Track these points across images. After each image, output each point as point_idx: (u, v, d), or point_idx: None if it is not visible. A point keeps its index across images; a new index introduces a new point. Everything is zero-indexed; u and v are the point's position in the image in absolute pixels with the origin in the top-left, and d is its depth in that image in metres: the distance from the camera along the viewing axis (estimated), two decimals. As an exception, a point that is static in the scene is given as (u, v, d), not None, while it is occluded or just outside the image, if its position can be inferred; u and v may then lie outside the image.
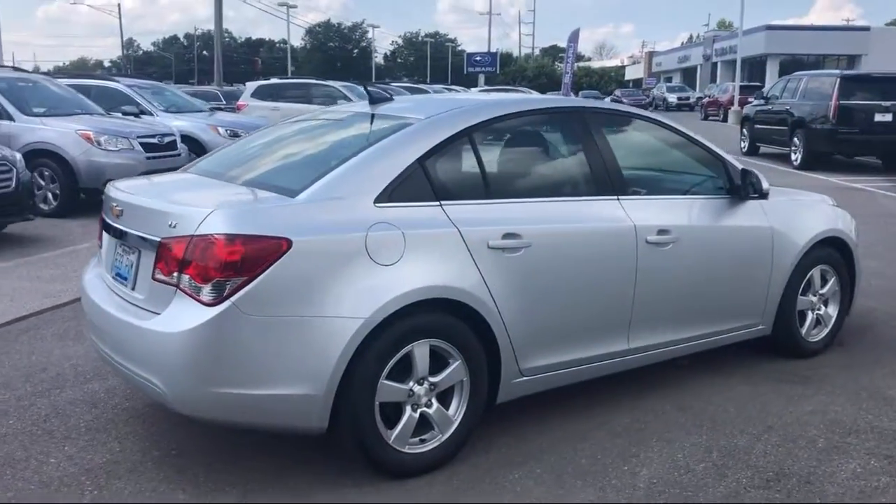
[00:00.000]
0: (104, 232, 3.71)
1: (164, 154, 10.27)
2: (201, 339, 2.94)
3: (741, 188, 4.39)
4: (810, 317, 4.89)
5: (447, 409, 3.43)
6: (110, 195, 3.64)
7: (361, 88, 18.84)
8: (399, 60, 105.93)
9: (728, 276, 4.39)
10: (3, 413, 3.97)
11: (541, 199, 3.76)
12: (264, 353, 2.99)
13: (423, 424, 3.38)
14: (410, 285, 3.20)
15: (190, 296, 2.99)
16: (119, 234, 3.49)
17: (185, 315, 2.98)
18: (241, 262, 2.94)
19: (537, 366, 3.68)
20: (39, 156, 9.55)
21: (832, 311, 5.01)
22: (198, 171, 3.90)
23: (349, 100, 17.52)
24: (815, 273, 4.85)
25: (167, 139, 10.55)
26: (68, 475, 3.35)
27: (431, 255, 3.29)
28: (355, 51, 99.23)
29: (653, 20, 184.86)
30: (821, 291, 4.93)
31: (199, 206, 3.14)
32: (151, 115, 12.28)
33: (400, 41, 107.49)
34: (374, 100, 4.05)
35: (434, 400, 3.37)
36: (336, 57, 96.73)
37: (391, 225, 3.22)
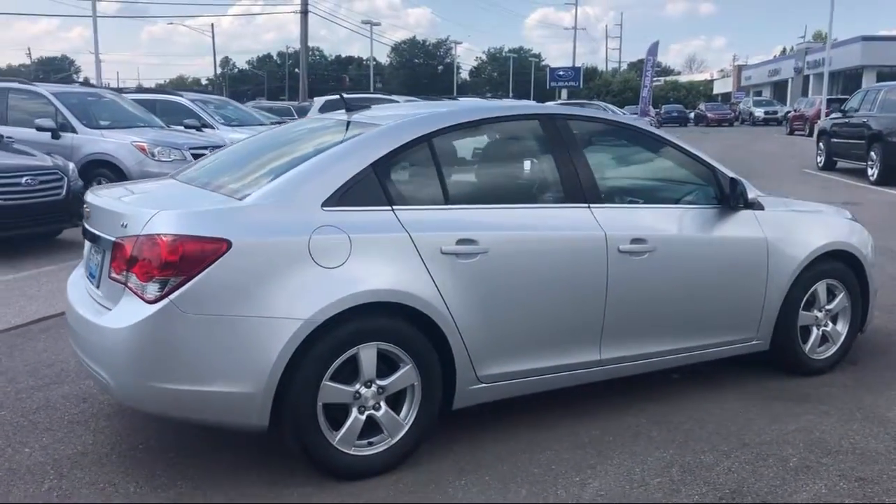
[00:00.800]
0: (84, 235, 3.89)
1: None
2: (141, 334, 3.05)
3: (731, 198, 4.26)
4: (815, 333, 4.69)
5: (398, 412, 3.44)
6: (85, 199, 3.82)
7: (422, 103, 19.06)
8: (483, 76, 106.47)
9: (715, 289, 4.26)
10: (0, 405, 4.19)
11: (501, 205, 3.73)
12: (203, 350, 3.08)
13: (373, 427, 3.40)
14: (354, 288, 3.23)
15: (135, 293, 3.11)
16: (90, 236, 3.65)
17: (129, 311, 3.10)
18: (181, 261, 3.04)
19: (497, 373, 3.66)
20: (98, 166, 10.05)
21: (841, 328, 4.79)
22: (180, 178, 4.04)
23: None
24: (821, 288, 4.65)
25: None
26: (36, 464, 3.51)
27: (379, 258, 3.32)
28: (440, 67, 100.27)
29: (746, 34, 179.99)
30: (827, 307, 4.72)
31: (148, 207, 3.26)
32: (213, 127, 12.73)
33: (484, 57, 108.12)
34: (349, 108, 4.12)
35: (383, 403, 3.39)
36: (421, 73, 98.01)
37: (337, 228, 3.26)
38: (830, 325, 4.76)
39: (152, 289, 3.06)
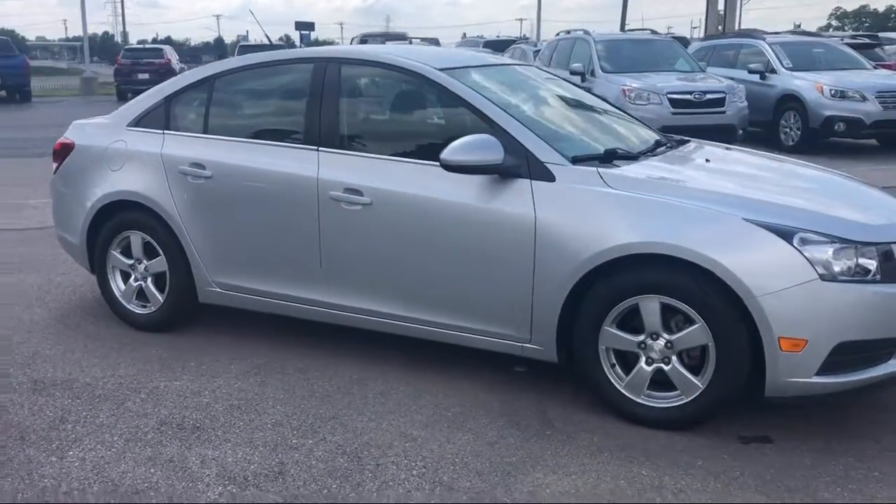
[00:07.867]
0: None
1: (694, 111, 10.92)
2: (51, 193, 4.94)
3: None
4: (640, 365, 3.33)
5: (159, 291, 4.48)
6: None
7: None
8: None
9: (451, 264, 3.60)
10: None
11: (236, 138, 4.20)
12: (65, 210, 4.79)
13: (142, 296, 4.55)
14: (117, 187, 4.45)
15: None
16: None
17: None
18: (59, 152, 4.80)
19: (230, 284, 4.25)
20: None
21: (698, 376, 3.23)
22: None
23: None
24: (649, 306, 3.24)
25: (707, 97, 10.79)
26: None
27: (137, 168, 4.42)
28: None
29: None
30: (668, 337, 3.26)
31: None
32: (775, 72, 12.27)
33: None
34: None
35: (149, 281, 4.50)
36: None
37: (123, 142, 4.49)
38: (675, 363, 3.27)
39: (53, 167, 4.91)
